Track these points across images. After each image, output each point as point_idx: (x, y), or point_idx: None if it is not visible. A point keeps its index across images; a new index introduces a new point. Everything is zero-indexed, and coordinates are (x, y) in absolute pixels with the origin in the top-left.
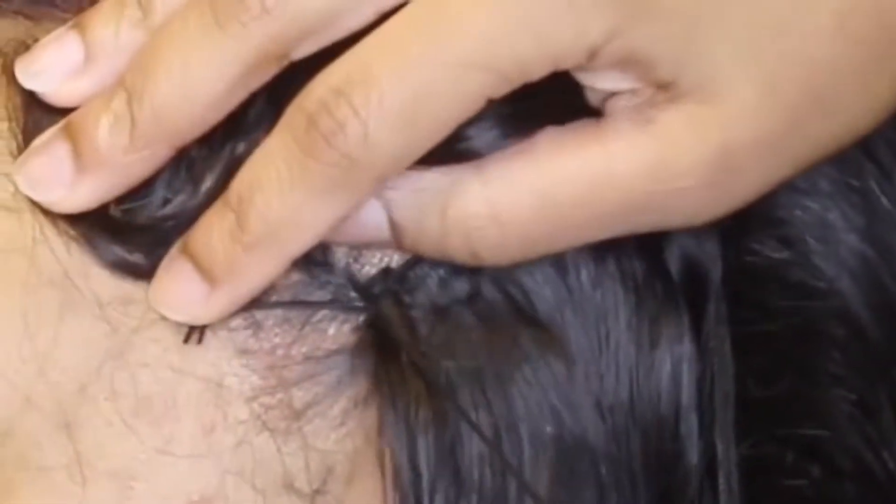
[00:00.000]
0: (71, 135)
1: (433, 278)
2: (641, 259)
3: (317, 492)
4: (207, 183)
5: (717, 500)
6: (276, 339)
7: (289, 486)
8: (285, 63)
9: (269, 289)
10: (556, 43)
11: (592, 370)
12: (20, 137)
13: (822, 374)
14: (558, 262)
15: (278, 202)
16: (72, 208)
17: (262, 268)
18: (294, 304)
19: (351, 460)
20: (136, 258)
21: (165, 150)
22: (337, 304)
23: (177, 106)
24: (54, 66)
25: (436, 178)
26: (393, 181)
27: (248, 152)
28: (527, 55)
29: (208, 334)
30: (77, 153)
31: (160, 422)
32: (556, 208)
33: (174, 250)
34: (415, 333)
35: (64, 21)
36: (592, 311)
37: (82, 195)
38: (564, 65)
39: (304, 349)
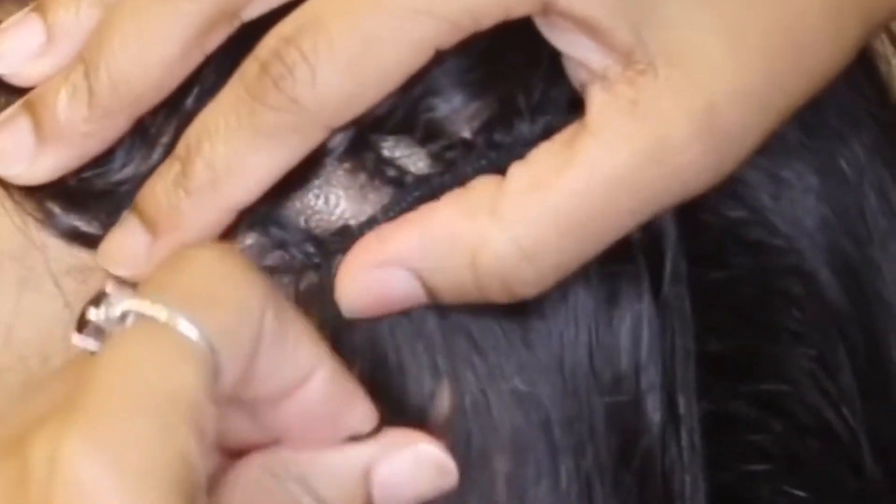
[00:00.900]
0: (31, 109)
1: None
2: None
3: None
4: (161, 145)
5: (680, 455)
6: None
7: None
8: (237, 24)
9: None
10: None
11: (551, 327)
12: None
13: (781, 331)
14: None
15: (223, 147)
16: (33, 181)
17: (205, 215)
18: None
19: None
20: (93, 228)
21: (124, 119)
22: (289, 265)
23: (133, 73)
24: (16, 48)
25: (454, 233)
26: (413, 245)
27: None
28: (476, 1)
29: None
30: (37, 126)
31: None
32: (577, 223)
33: (126, 211)
34: None
35: (24, 4)
36: None
37: (44, 167)
38: (516, 12)
39: None
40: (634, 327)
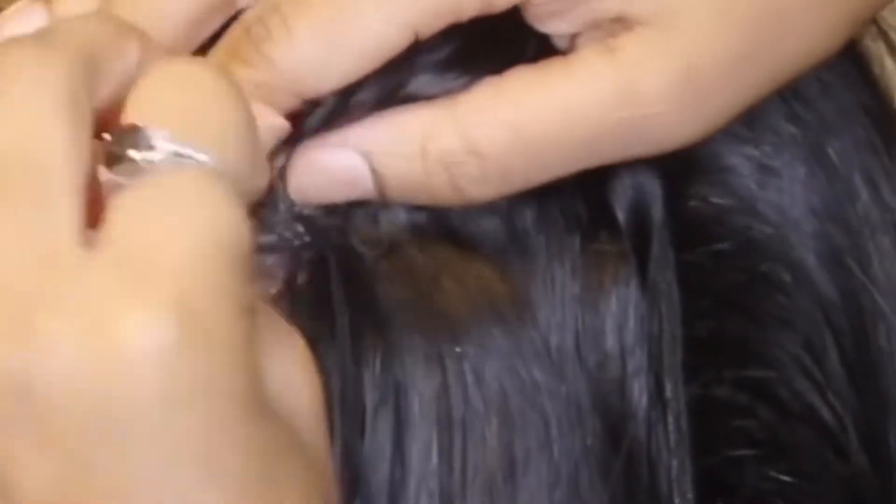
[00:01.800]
0: None
1: (378, 214)
2: (586, 203)
3: None
4: None
5: (666, 439)
6: None
7: None
8: (232, 11)
9: None
10: None
11: (538, 311)
12: None
13: (767, 317)
14: (500, 205)
15: None
16: None
17: None
18: None
19: None
20: None
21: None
22: (282, 243)
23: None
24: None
25: (410, 121)
26: (369, 131)
27: None
28: None
29: None
30: None
31: None
32: (530, 142)
33: None
34: (360, 268)
35: None
36: (537, 254)
37: None
38: (499, 3)
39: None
40: (621, 312)
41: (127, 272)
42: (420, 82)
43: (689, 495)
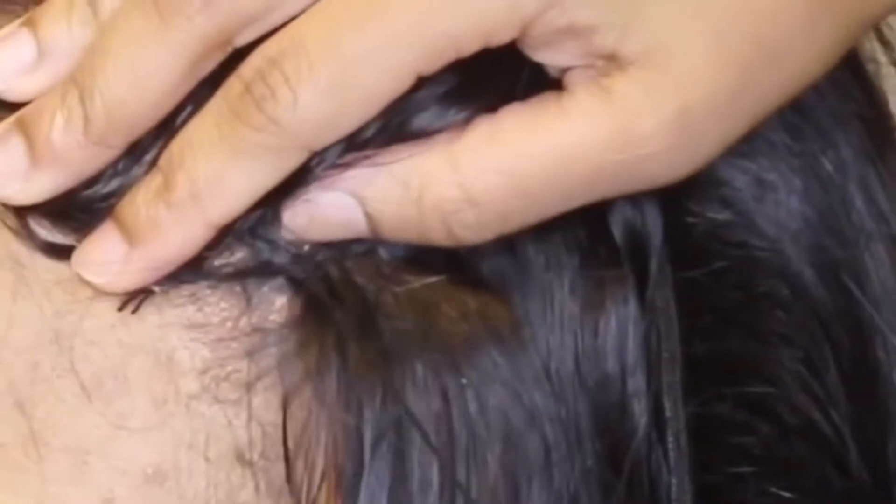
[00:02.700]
0: (25, 130)
1: (376, 246)
2: (584, 223)
3: (267, 462)
4: (148, 162)
5: (666, 458)
6: (225, 313)
7: (240, 458)
8: (230, 50)
9: (211, 263)
10: (487, 16)
11: (538, 333)
12: None
13: (767, 333)
14: None
15: (205, 162)
16: (26, 201)
17: (184, 229)
18: (234, 276)
19: (302, 430)
20: (75, 240)
21: (118, 144)
22: (276, 273)
23: (128, 101)
24: (7, 62)
25: (405, 167)
26: (364, 175)
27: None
28: (457, 29)
29: (154, 310)
30: (32, 148)
31: (112, 397)
32: (526, 186)
33: (106, 220)
34: (360, 300)
35: (13, 15)
36: (536, 275)
37: (37, 189)
38: (497, 39)
39: (252, 321)
40: (620, 332)
41: None
42: (423, 118)
43: None
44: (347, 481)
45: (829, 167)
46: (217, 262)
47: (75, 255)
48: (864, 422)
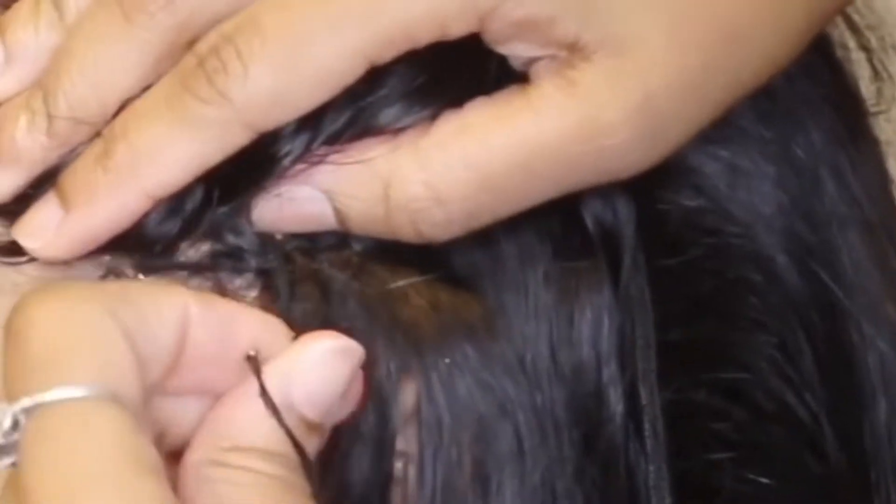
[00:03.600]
0: None
1: (346, 236)
2: (557, 213)
3: None
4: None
5: (643, 445)
6: None
7: None
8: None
9: (183, 252)
10: (443, 6)
11: (512, 323)
12: None
13: (741, 319)
14: None
15: (146, 130)
16: None
17: (118, 196)
18: (205, 266)
19: None
20: None
21: (80, 141)
22: (246, 263)
23: (91, 100)
24: None
25: (373, 164)
26: (333, 170)
27: None
28: (411, 16)
29: None
30: None
31: None
32: (494, 180)
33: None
34: (329, 289)
35: None
36: (510, 265)
37: (1, 188)
38: (454, 31)
39: None
40: (595, 320)
41: None
42: (390, 114)
43: (668, 501)
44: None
45: (800, 152)
46: (189, 252)
47: (16, 223)
48: (840, 406)
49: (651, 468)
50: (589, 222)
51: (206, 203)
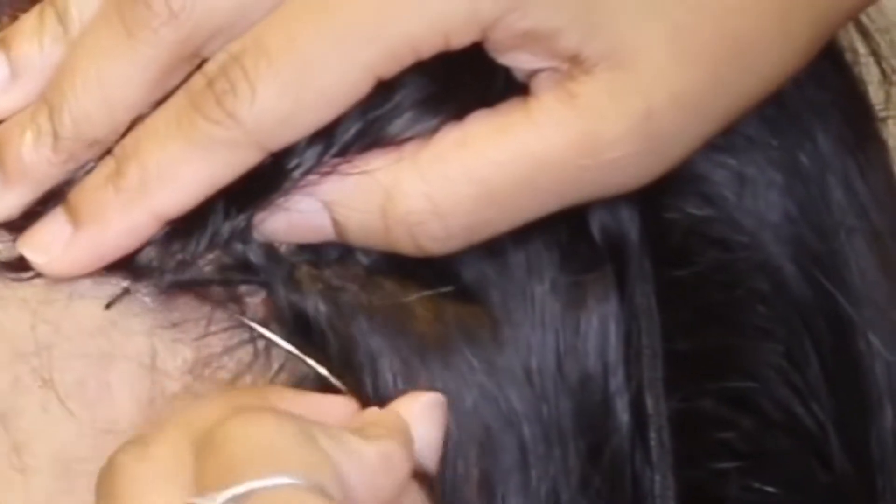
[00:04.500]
0: None
1: (352, 248)
2: (564, 222)
3: None
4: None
5: (648, 455)
6: (202, 312)
7: None
8: (197, 61)
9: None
10: (445, 18)
11: (518, 333)
12: None
13: (748, 328)
14: None
15: (157, 150)
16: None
17: (128, 215)
18: (208, 281)
19: None
20: None
21: (88, 157)
22: (252, 274)
23: (96, 116)
24: None
25: (373, 176)
26: (334, 182)
27: None
28: (415, 31)
29: (133, 313)
30: (2, 166)
31: (95, 404)
32: (494, 194)
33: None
34: (334, 301)
35: None
36: (517, 274)
37: (8, 205)
38: (457, 42)
39: (229, 318)
40: (602, 329)
41: None
42: (399, 125)
43: None
44: None
45: (808, 160)
46: (199, 262)
47: (23, 235)
48: (846, 414)
49: (657, 477)
50: (596, 231)
51: (221, 217)
